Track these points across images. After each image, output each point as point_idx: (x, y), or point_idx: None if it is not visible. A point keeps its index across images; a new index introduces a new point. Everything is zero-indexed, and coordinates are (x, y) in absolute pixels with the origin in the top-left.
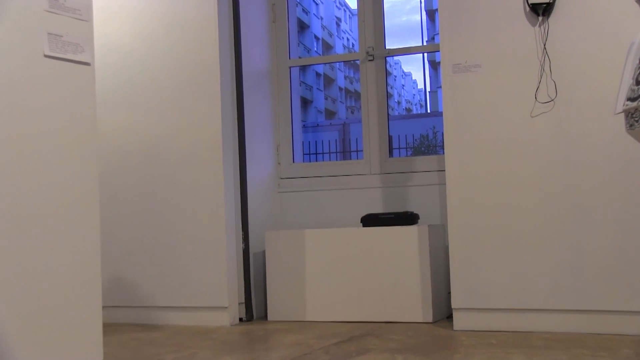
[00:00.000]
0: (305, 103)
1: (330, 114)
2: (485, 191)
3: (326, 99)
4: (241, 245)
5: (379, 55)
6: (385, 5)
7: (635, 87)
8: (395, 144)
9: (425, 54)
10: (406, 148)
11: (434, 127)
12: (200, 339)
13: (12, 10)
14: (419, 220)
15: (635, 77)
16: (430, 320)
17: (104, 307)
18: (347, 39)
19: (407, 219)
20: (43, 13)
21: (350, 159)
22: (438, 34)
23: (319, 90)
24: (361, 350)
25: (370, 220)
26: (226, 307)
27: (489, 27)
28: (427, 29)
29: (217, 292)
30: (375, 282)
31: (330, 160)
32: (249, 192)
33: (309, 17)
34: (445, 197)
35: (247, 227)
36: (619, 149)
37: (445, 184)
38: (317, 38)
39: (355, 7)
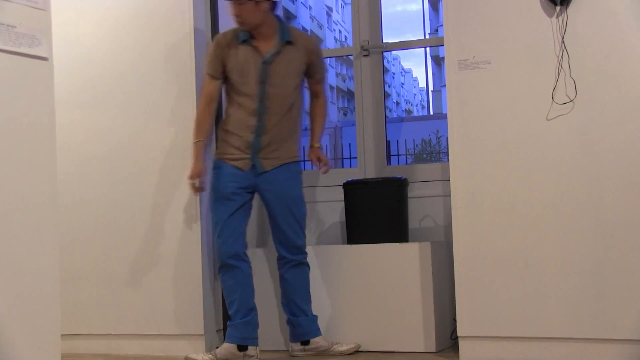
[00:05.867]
0: None
1: None
2: (495, 204)
3: None
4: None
5: (375, 49)
6: None
7: None
8: (393, 150)
9: (428, 49)
10: (406, 155)
11: (438, 131)
12: None
13: None
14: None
15: None
16: (434, 349)
17: (62, 335)
18: (339, 32)
19: (395, 183)
20: None
21: (343, 166)
22: (442, 25)
23: (307, 89)
24: None
25: (354, 185)
26: (202, 335)
27: (500, 19)
28: (430, 20)
29: (191, 318)
30: (371, 306)
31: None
32: None
33: (296, 6)
34: (450, 211)
35: None
36: None
37: (449, 195)
38: (305, 30)
39: None
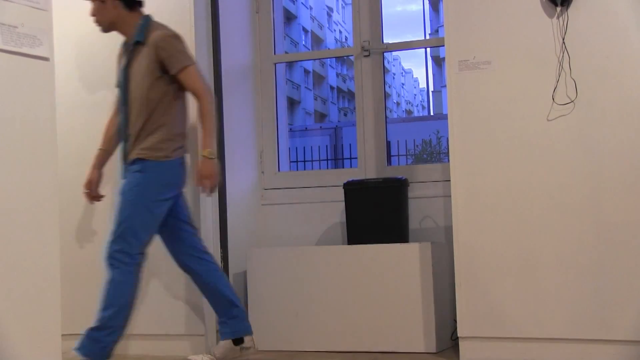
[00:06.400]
0: (292, 104)
1: (320, 117)
2: (495, 204)
3: (316, 99)
4: (220, 265)
5: (375, 50)
6: None
7: None
8: (393, 151)
9: (428, 49)
10: (406, 155)
11: (438, 132)
12: None
13: None
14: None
15: None
16: (434, 350)
17: (63, 335)
18: (340, 32)
19: (396, 184)
20: None
21: (343, 167)
22: (442, 26)
23: (308, 89)
24: None
25: (354, 185)
26: (202, 335)
27: (501, 19)
28: (430, 21)
29: (192, 318)
30: (371, 307)
31: (320, 168)
32: (228, 205)
33: (296, 6)
34: (450, 211)
35: (227, 244)
36: None
37: (450, 196)
38: (305, 30)
39: None
